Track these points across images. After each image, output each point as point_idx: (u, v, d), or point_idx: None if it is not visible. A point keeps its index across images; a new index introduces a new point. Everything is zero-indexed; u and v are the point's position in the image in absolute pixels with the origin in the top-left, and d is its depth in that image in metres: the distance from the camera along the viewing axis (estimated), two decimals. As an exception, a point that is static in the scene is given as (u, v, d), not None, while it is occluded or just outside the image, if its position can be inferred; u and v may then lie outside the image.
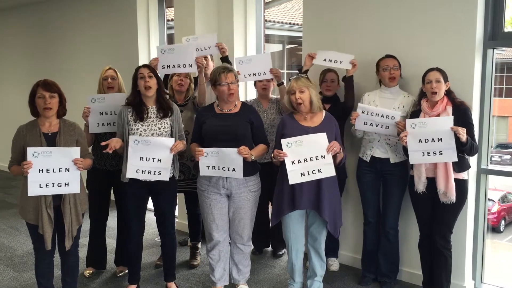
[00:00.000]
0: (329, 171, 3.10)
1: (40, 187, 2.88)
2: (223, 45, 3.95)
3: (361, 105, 3.42)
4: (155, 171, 3.24)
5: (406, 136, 3.11)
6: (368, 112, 3.37)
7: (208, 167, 3.21)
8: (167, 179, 3.28)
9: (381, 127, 3.38)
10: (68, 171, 2.92)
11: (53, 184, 2.89)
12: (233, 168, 3.18)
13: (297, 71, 3.83)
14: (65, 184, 2.93)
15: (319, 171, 3.10)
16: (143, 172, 3.24)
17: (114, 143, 3.19)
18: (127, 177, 3.26)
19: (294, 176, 3.11)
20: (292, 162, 3.10)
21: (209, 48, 3.94)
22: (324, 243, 3.38)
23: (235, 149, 3.14)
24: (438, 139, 3.04)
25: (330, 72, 3.85)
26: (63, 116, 3.08)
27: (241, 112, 3.37)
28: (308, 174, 3.10)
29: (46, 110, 2.94)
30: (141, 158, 3.21)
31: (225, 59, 3.92)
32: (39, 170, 2.85)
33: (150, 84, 3.27)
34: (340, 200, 3.35)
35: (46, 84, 2.97)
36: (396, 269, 3.69)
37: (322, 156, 3.08)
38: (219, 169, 3.21)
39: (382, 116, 3.34)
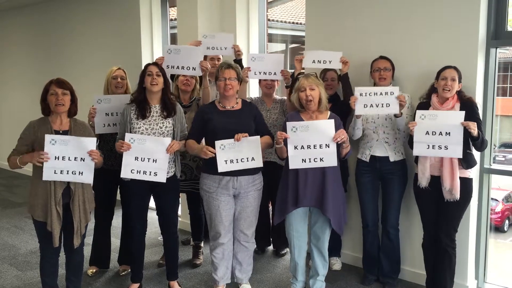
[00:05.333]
0: (331, 160, 3.09)
1: (55, 173, 2.92)
2: (240, 48, 3.97)
3: (359, 88, 3.37)
4: (150, 172, 3.20)
5: (414, 126, 3.10)
6: (366, 93, 3.32)
7: (226, 161, 3.15)
8: (164, 181, 3.24)
9: (382, 106, 3.31)
10: (83, 160, 2.96)
11: (67, 171, 2.93)
12: (252, 158, 3.16)
13: (291, 77, 3.80)
14: (79, 173, 2.96)
15: (321, 159, 3.09)
16: (138, 173, 3.19)
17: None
18: (122, 177, 3.24)
19: (295, 161, 3.10)
20: (295, 147, 3.09)
21: (225, 48, 3.94)
22: (327, 242, 3.37)
23: (256, 137, 3.16)
24: (446, 133, 3.01)
25: (330, 71, 3.85)
26: (74, 115, 3.10)
27: (244, 108, 3.38)
28: (310, 161, 3.09)
29: (58, 106, 2.96)
30: (136, 158, 3.17)
31: (238, 61, 3.92)
32: (55, 157, 2.89)
33: (157, 82, 3.28)
34: (344, 198, 3.34)
35: (59, 81, 3.00)
36: (397, 269, 3.68)
37: (326, 145, 3.06)
38: (237, 162, 3.16)
39: (381, 94, 3.29)
